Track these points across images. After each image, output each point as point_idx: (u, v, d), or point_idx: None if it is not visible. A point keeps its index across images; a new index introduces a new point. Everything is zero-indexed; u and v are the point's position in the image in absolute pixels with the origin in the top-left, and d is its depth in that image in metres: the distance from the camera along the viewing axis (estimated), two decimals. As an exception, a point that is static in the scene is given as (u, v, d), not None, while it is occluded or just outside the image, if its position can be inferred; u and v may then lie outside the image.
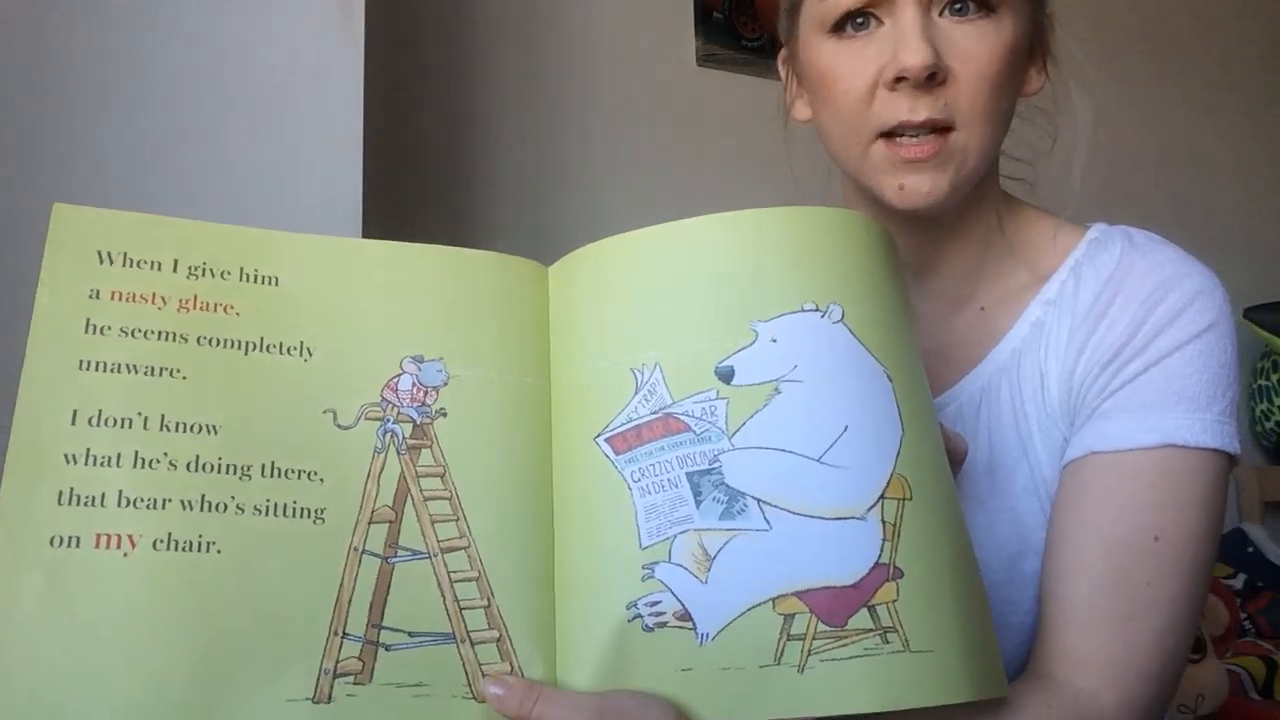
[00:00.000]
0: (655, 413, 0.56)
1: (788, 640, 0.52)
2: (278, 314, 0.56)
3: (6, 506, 0.49)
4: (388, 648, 0.52)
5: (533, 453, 0.58)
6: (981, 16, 0.64)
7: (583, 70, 1.63)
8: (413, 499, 0.55)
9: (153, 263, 0.56)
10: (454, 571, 0.54)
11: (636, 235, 0.59)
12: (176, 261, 0.56)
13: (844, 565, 0.52)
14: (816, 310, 0.57)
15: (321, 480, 0.54)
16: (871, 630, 0.51)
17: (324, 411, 0.55)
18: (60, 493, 0.49)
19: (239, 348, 0.55)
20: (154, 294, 0.55)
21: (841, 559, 0.53)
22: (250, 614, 0.50)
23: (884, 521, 0.54)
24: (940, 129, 0.64)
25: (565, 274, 0.61)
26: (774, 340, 0.56)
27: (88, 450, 0.51)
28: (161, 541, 0.50)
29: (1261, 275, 2.19)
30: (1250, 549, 1.93)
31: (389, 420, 0.56)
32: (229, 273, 0.56)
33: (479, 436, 0.57)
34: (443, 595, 0.54)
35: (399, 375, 0.57)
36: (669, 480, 0.55)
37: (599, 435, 0.56)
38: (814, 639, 0.51)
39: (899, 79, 0.63)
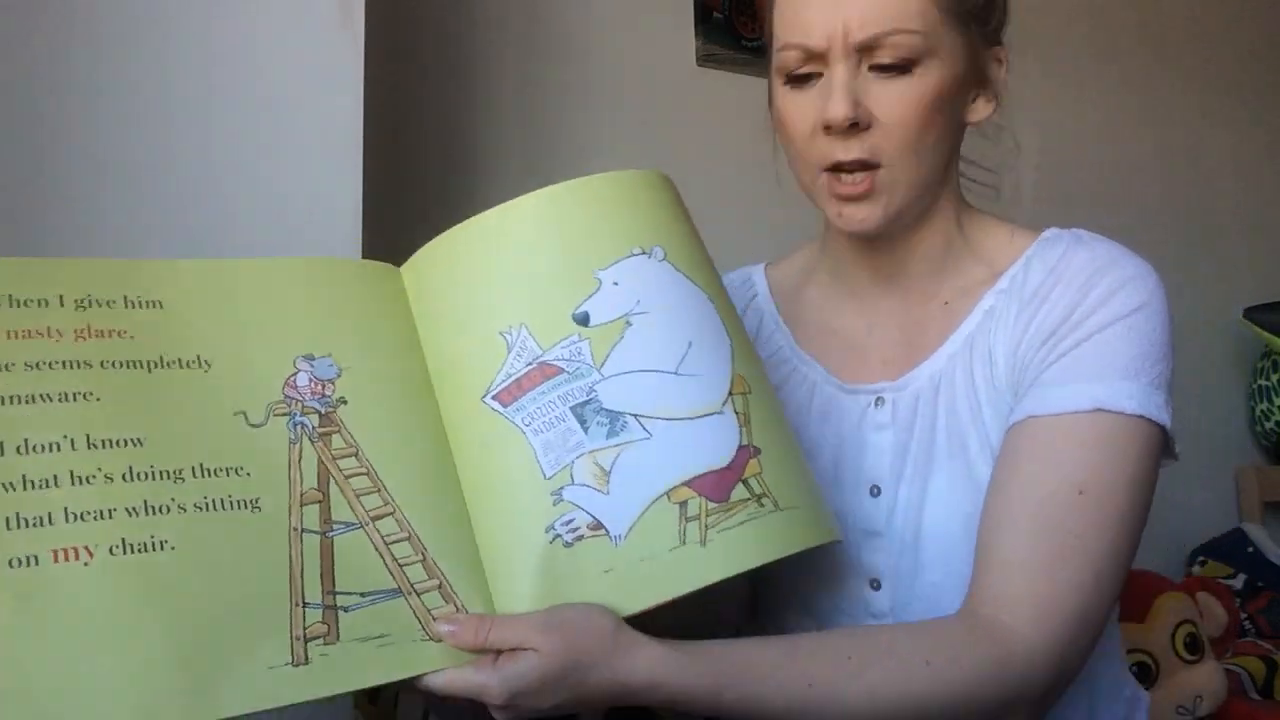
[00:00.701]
0: (530, 365, 0.64)
1: (687, 523, 0.61)
2: (168, 334, 0.61)
3: None
4: (346, 609, 0.57)
5: (427, 422, 0.65)
6: (899, 75, 0.74)
7: (583, 70, 1.63)
8: (334, 479, 0.61)
9: (40, 300, 0.59)
10: (386, 535, 0.60)
11: (476, 221, 0.67)
12: (62, 297, 0.60)
13: (716, 451, 0.63)
14: (644, 253, 0.67)
15: (249, 474, 0.59)
16: (749, 499, 0.63)
17: (234, 414, 0.60)
18: (7, 519, 0.52)
19: (141, 367, 0.59)
20: (49, 328, 0.58)
21: (713, 447, 0.64)
22: (216, 599, 0.54)
23: (737, 412, 0.65)
24: (870, 166, 0.75)
25: (418, 269, 0.69)
26: (616, 283, 0.66)
27: (23, 476, 0.53)
28: (117, 547, 0.53)
29: (1261, 275, 2.19)
30: (1250, 549, 1.93)
31: (296, 414, 0.62)
32: (114, 301, 0.61)
33: (379, 417, 0.64)
34: (382, 557, 0.60)
35: (295, 373, 0.63)
36: (556, 417, 0.63)
37: (486, 395, 0.64)
38: (707, 515, 0.62)
39: (827, 126, 0.74)
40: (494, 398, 0.64)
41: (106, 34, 0.95)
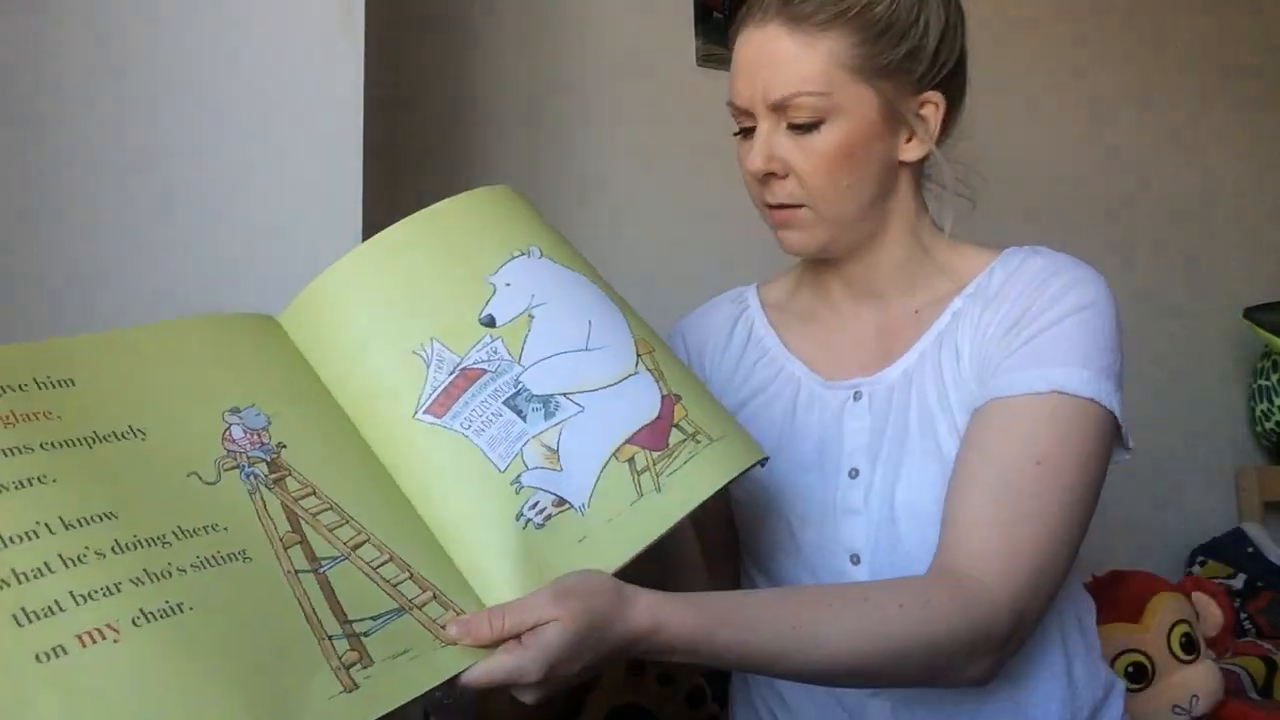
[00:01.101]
0: (453, 373, 0.69)
1: (639, 476, 0.68)
2: (90, 409, 0.60)
3: None
4: (365, 634, 0.58)
5: (361, 453, 0.68)
6: (809, 131, 0.85)
7: (582, 70, 1.64)
8: (304, 519, 0.62)
9: None
10: (370, 561, 0.62)
11: (351, 260, 0.71)
12: None
13: (645, 406, 0.70)
14: (524, 254, 0.75)
15: (225, 529, 0.59)
16: (686, 439, 0.70)
17: (187, 475, 0.60)
18: (15, 616, 0.50)
19: (81, 444, 0.58)
20: None
21: (640, 403, 0.71)
22: (253, 647, 0.54)
23: (649, 369, 0.73)
24: (793, 207, 0.88)
25: (300, 316, 0.72)
26: (508, 284, 0.72)
27: (13, 570, 0.51)
28: (139, 618, 0.52)
29: (1261, 275, 2.19)
30: (1250, 549, 1.93)
31: (244, 465, 0.63)
32: (25, 385, 0.59)
33: (320, 454, 0.65)
34: (374, 581, 0.61)
35: (228, 428, 0.64)
36: (493, 414, 0.68)
37: (417, 412, 0.68)
38: (655, 464, 0.68)
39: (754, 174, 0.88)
40: (426, 412, 0.68)
41: (106, 34, 0.95)
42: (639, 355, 0.73)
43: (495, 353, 0.69)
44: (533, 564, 0.65)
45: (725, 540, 1.01)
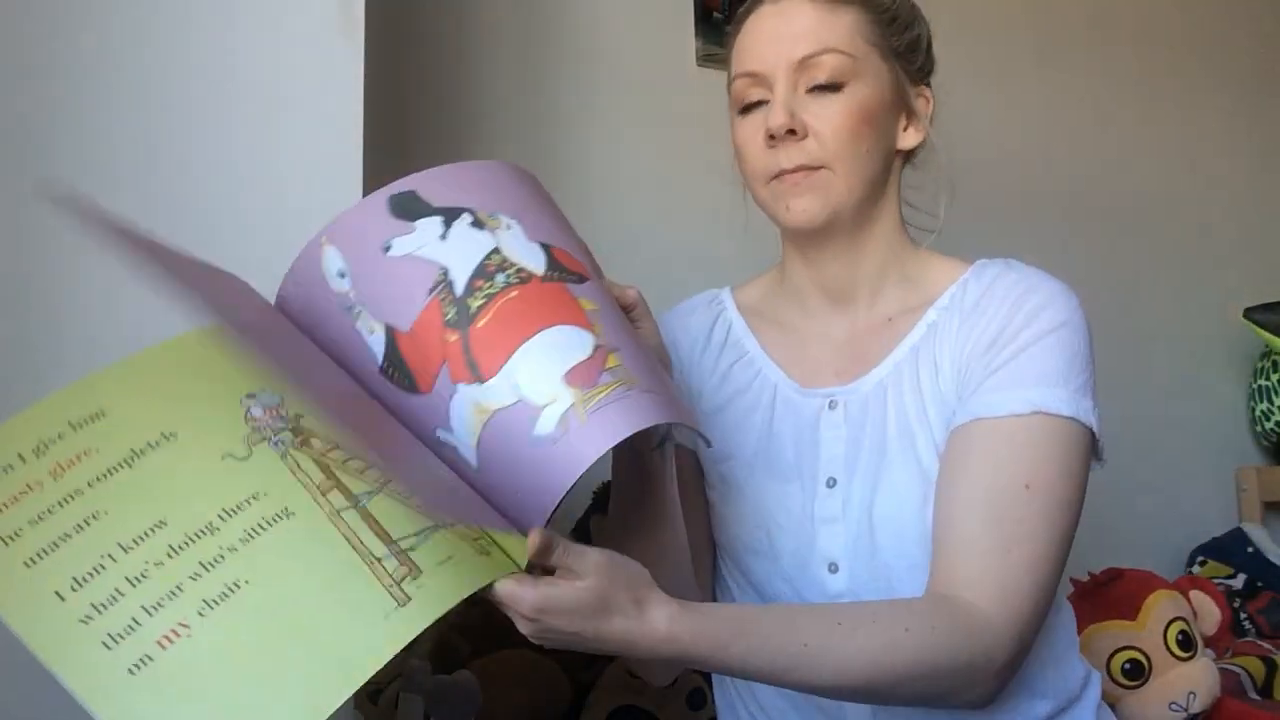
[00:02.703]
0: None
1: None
2: (124, 431, 0.67)
3: (80, 687, 0.56)
4: (411, 549, 0.64)
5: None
6: (832, 92, 0.87)
7: (582, 70, 1.64)
8: (335, 469, 0.67)
9: (3, 468, 0.65)
10: (401, 494, 0.67)
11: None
12: (20, 454, 0.65)
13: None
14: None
15: (266, 494, 0.65)
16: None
17: (222, 459, 0.66)
18: (102, 643, 0.58)
19: (122, 466, 0.65)
20: (27, 484, 0.64)
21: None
22: (312, 593, 0.61)
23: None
24: (811, 168, 0.87)
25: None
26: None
27: (91, 604, 0.59)
28: (203, 609, 0.59)
29: (1261, 275, 2.19)
30: (1250, 549, 1.93)
31: (270, 436, 0.68)
32: (63, 434, 0.66)
33: (328, 430, 0.69)
34: (408, 507, 0.66)
35: (248, 409, 0.69)
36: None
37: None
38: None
39: (772, 136, 0.87)
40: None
41: (106, 34, 0.95)
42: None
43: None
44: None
45: (708, 536, 1.01)
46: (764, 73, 0.88)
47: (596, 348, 0.69)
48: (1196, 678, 1.44)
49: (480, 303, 0.69)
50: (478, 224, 0.72)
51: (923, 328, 0.90)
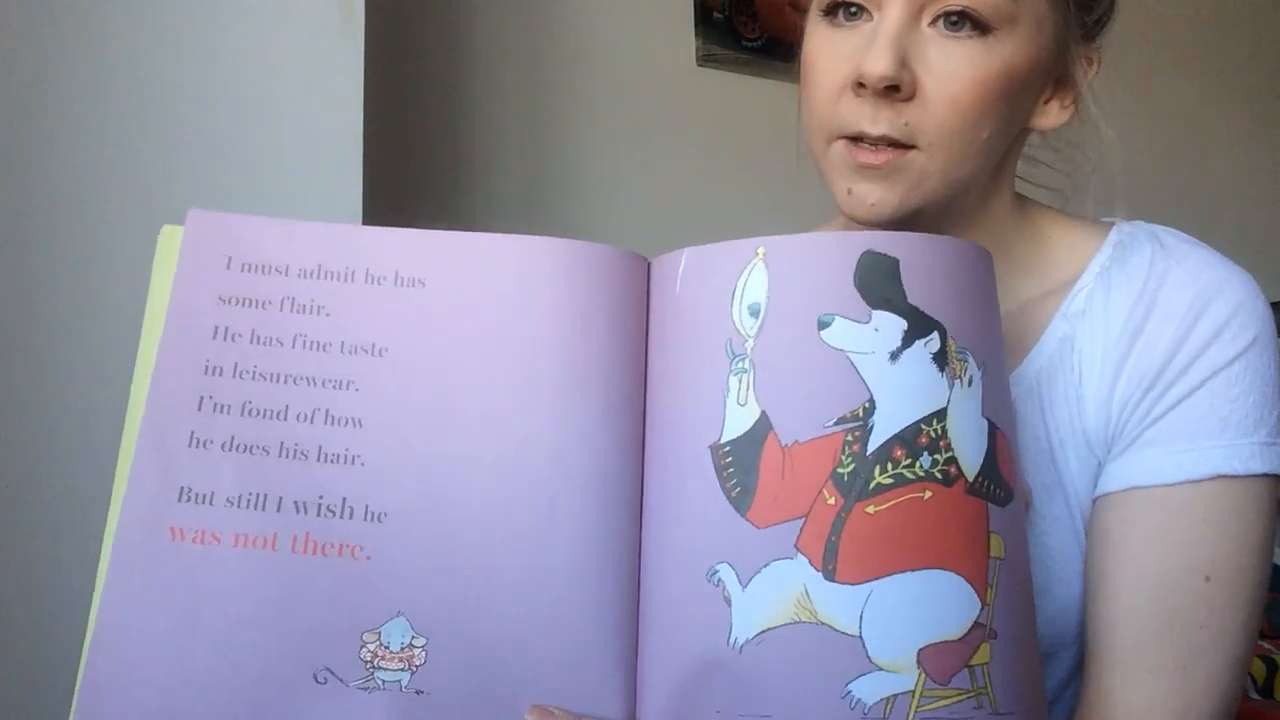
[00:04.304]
0: None
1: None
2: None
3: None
4: None
5: None
6: (974, 36, 0.58)
7: (583, 70, 1.64)
8: None
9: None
10: None
11: None
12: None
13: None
14: None
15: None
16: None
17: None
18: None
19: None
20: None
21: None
22: None
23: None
24: (902, 147, 0.59)
25: None
26: None
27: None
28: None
29: (1262, 275, 2.18)
30: (1250, 549, 1.93)
31: None
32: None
33: None
34: None
35: None
36: None
37: None
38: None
39: (860, 84, 0.58)
40: None
41: (107, 35, 0.95)
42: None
43: None
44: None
45: None
46: None
47: (975, 627, 0.49)
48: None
49: (887, 482, 0.50)
50: (941, 360, 0.51)
51: (1051, 342, 0.66)
